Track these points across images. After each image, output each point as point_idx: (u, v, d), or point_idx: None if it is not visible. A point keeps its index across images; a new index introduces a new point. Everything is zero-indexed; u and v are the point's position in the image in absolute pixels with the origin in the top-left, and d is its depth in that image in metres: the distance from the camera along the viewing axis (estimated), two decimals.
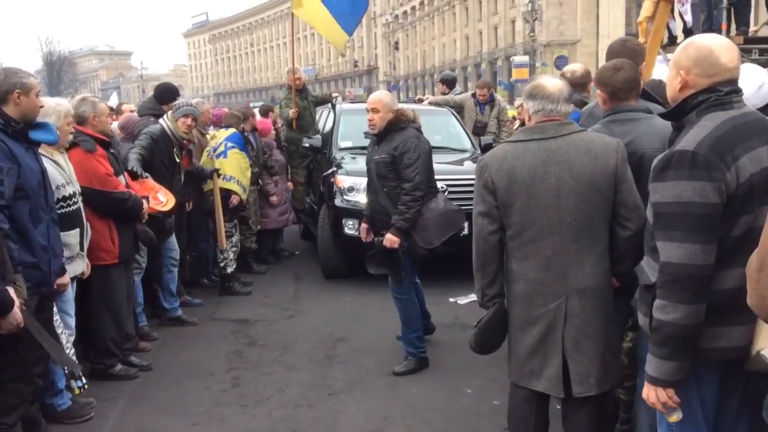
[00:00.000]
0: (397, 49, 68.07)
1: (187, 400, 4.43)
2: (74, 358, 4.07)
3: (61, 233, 3.78)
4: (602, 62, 3.61)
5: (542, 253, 2.84)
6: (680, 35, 8.45)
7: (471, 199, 3.16)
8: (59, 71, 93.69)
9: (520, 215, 2.85)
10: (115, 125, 6.35)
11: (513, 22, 55.19)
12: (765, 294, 1.75)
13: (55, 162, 3.95)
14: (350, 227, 6.77)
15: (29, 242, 3.36)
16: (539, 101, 2.89)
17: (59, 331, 3.82)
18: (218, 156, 6.84)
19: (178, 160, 5.86)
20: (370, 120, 4.76)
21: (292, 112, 8.53)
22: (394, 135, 4.73)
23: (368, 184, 5.02)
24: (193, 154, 6.46)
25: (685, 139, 2.22)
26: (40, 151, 3.72)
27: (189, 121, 5.76)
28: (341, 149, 7.83)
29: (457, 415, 4.15)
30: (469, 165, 7.29)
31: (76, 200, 4.06)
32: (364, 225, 5.19)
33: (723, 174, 2.13)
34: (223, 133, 7.07)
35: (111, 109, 8.24)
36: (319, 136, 8.29)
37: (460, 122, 8.71)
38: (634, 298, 2.69)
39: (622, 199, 2.84)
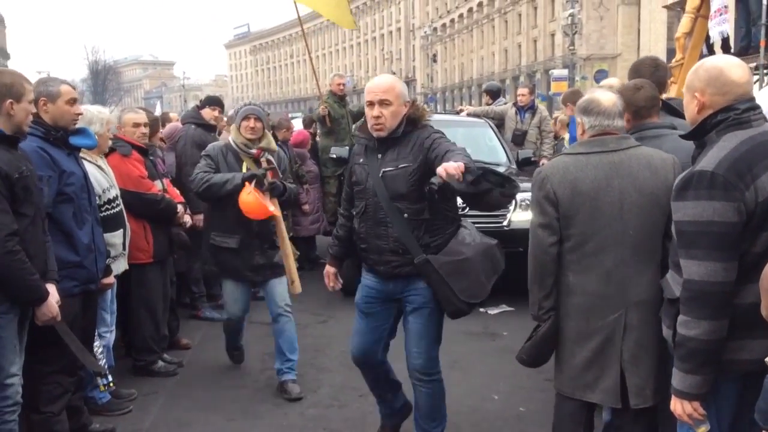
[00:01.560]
0: (435, 61, 68.25)
1: (223, 398, 4.62)
2: (103, 356, 4.24)
3: (106, 234, 3.98)
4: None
5: (603, 266, 2.84)
6: (718, 51, 8.44)
7: (487, 219, 3.20)
8: (104, 80, 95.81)
9: (581, 227, 2.85)
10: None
11: (552, 35, 54.98)
12: None
13: (99, 167, 4.16)
14: None
15: (74, 243, 3.55)
16: (595, 117, 2.91)
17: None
18: None
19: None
20: (376, 117, 3.35)
21: (321, 108, 8.43)
22: (409, 136, 3.39)
23: (363, 211, 3.48)
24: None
25: (705, 159, 2.29)
26: (86, 156, 3.94)
27: (252, 123, 4.51)
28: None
29: (483, 420, 4.26)
30: None
31: (118, 203, 4.29)
32: (330, 269, 3.81)
33: (742, 194, 2.19)
34: None
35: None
36: (346, 147, 7.94)
37: (497, 135, 8.30)
38: (661, 311, 2.70)
39: None
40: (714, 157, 2.26)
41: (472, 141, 7.84)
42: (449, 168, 2.82)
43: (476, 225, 3.62)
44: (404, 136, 3.37)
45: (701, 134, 2.40)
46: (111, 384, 4.37)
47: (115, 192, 4.28)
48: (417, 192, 3.27)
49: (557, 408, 3.12)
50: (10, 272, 2.94)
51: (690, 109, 2.45)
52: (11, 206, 2.95)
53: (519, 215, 6.46)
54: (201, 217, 5.92)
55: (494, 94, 9.82)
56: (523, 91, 8.67)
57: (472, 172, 2.92)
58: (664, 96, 3.77)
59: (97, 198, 3.91)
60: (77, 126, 3.66)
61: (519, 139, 8.46)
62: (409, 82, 77.22)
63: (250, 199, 4.35)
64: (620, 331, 2.85)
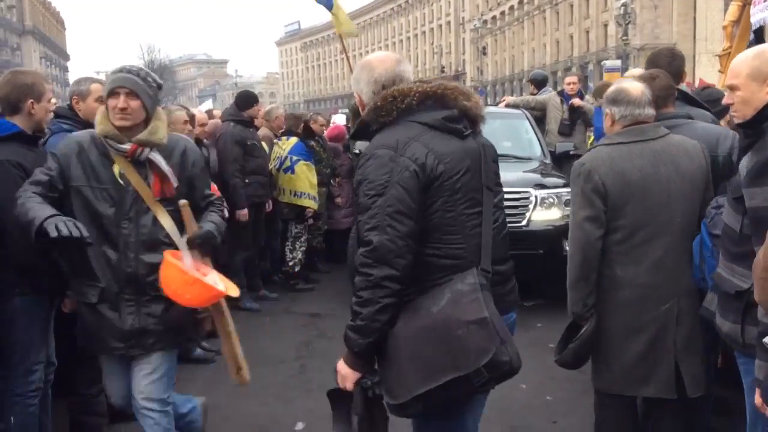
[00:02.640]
0: (485, 54, 67.76)
1: (257, 383, 4.75)
2: None
3: None
4: (700, 66, 3.71)
5: (653, 255, 2.82)
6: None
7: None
8: (160, 79, 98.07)
9: (631, 218, 2.82)
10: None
11: (605, 25, 54.01)
12: None
13: None
14: None
15: None
16: (625, 106, 2.91)
17: None
18: (285, 171, 6.99)
19: None
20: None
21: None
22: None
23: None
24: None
25: None
26: None
27: (121, 101, 2.89)
28: None
29: (510, 408, 4.30)
30: (513, 176, 6.12)
31: None
32: None
33: None
34: (286, 144, 7.14)
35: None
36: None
37: (533, 126, 7.83)
38: (703, 307, 2.72)
39: (708, 197, 2.89)
40: None
41: (509, 133, 7.68)
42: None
43: None
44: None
45: (759, 123, 2.35)
46: None
47: None
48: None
49: (601, 408, 3.07)
50: (43, 267, 3.08)
51: (759, 98, 2.36)
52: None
53: (539, 214, 6.13)
54: (245, 212, 6.15)
55: (539, 83, 9.50)
56: (572, 79, 8.19)
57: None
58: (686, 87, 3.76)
59: None
60: None
61: (566, 129, 7.98)
62: (459, 75, 76.95)
63: (172, 275, 2.76)
64: (673, 321, 2.82)
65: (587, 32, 57.57)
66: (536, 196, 6.17)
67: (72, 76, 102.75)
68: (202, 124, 6.11)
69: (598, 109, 5.28)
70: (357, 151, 7.67)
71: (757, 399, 2.24)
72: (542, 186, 6.33)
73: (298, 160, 7.01)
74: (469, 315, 2.08)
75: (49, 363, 3.36)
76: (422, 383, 2.09)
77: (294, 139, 7.19)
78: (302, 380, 4.84)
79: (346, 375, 2.27)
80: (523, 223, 6.14)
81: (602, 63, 43.53)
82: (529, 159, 7.25)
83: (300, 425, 4.14)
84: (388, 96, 2.25)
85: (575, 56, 58.30)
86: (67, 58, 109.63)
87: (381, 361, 2.23)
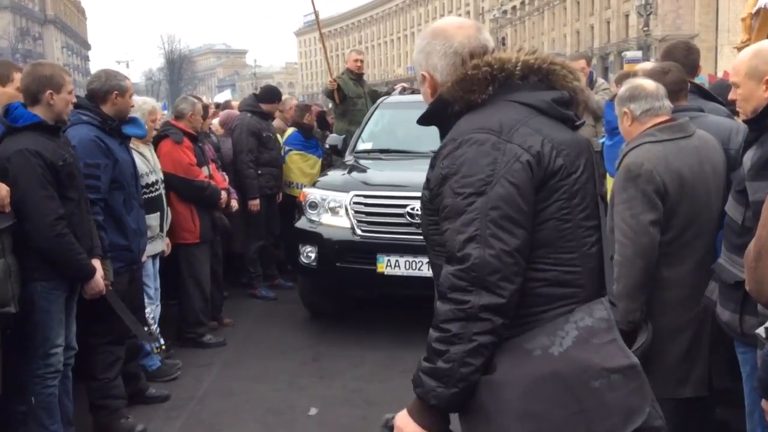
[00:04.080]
0: (504, 44, 67.31)
1: (272, 370, 4.88)
2: (154, 322, 4.56)
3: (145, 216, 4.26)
4: (722, 58, 3.70)
5: (697, 255, 2.80)
6: None
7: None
8: (179, 69, 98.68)
9: (683, 217, 2.77)
10: (215, 121, 6.94)
11: (626, 16, 53.41)
12: (762, 281, 1.92)
13: (140, 153, 4.45)
14: (307, 255, 5.39)
15: (123, 228, 3.86)
16: (645, 101, 2.88)
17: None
18: (282, 161, 6.94)
19: None
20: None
21: (330, 82, 7.77)
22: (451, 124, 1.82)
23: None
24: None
25: None
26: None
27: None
28: (357, 152, 6.45)
29: None
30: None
31: (157, 187, 4.57)
32: None
33: None
34: (285, 135, 7.18)
35: (217, 105, 8.94)
36: (337, 135, 6.96)
37: None
38: (705, 296, 2.72)
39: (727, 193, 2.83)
40: None
41: None
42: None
43: None
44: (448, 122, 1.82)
45: (763, 118, 2.36)
46: (163, 347, 4.73)
47: (154, 177, 4.56)
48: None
49: None
50: (60, 253, 3.22)
51: (758, 96, 2.39)
52: (57, 191, 3.21)
53: None
54: (256, 202, 6.25)
55: None
56: (579, 63, 6.77)
57: None
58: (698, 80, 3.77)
59: None
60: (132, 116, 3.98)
61: None
62: None
63: None
64: (709, 318, 2.78)
65: (608, 23, 56.99)
66: None
67: (93, 66, 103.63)
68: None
69: (609, 102, 5.25)
70: (327, 145, 6.96)
71: (764, 404, 2.18)
72: None
73: (290, 150, 7.01)
74: (609, 361, 1.57)
75: (69, 347, 3.47)
76: None
77: (290, 130, 7.22)
78: (315, 367, 4.94)
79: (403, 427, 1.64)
80: None
81: (623, 54, 43.09)
82: None
83: (313, 410, 4.23)
84: (483, 65, 1.71)
85: (596, 47, 57.73)
86: (88, 47, 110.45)
87: (469, 423, 1.63)
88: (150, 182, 4.49)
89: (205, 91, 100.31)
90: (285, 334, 5.66)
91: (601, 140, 5.61)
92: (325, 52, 10.18)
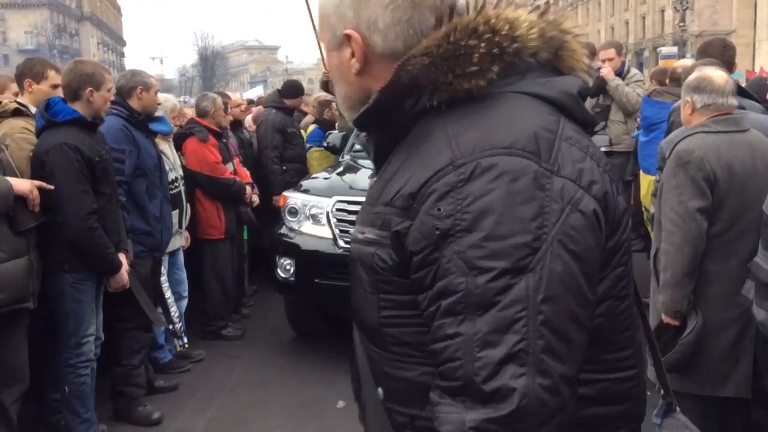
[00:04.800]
0: None
1: (300, 363, 4.92)
2: (180, 320, 4.66)
3: None
4: (760, 54, 3.63)
5: (743, 251, 2.73)
6: None
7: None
8: (212, 65, 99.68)
9: (730, 211, 2.74)
10: (248, 118, 7.00)
11: (662, 11, 52.62)
12: None
13: (161, 151, 4.48)
14: (284, 268, 4.76)
15: (145, 213, 3.97)
16: (708, 95, 2.82)
17: (167, 294, 4.43)
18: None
19: None
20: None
21: (324, 72, 6.69)
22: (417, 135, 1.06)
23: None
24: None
25: None
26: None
27: None
28: (355, 151, 5.62)
29: None
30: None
31: (177, 185, 4.65)
32: None
33: None
34: (307, 131, 7.18)
35: (250, 101, 9.00)
36: (338, 133, 6.31)
37: None
38: (741, 295, 2.66)
39: None
40: None
41: None
42: None
43: None
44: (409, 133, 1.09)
45: None
46: (185, 345, 4.81)
47: (174, 175, 4.65)
48: (399, 286, 1.04)
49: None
50: (90, 246, 3.31)
51: None
52: (91, 186, 3.31)
53: None
54: (280, 198, 6.31)
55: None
56: (608, 53, 5.92)
57: None
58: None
59: None
60: (156, 114, 4.14)
61: (599, 117, 5.85)
62: None
63: None
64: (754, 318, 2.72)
65: (643, 18, 56.20)
66: None
67: (128, 62, 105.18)
68: (238, 105, 6.35)
69: (647, 98, 5.15)
70: (326, 145, 6.38)
71: None
72: None
73: (311, 147, 6.99)
74: None
75: (96, 337, 3.55)
76: None
77: (312, 126, 7.22)
78: (343, 361, 4.93)
79: None
80: None
81: (658, 50, 42.45)
82: None
83: (341, 403, 4.25)
84: (483, 29, 1.03)
85: (631, 42, 56.97)
86: (123, 44, 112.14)
87: None
88: (170, 179, 4.57)
89: (238, 87, 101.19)
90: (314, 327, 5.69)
91: (635, 135, 5.51)
92: (316, 34, 8.15)
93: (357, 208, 3.65)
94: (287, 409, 4.22)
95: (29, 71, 3.60)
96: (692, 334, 2.78)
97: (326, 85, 6.44)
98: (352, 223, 4.31)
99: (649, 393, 1.21)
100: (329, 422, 4.07)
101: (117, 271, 3.46)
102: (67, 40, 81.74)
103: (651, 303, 3.08)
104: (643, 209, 5.11)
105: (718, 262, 2.76)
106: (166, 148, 4.65)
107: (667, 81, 5.25)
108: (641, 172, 5.09)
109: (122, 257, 3.54)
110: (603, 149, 4.49)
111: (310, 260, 4.60)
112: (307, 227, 4.69)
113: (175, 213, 4.59)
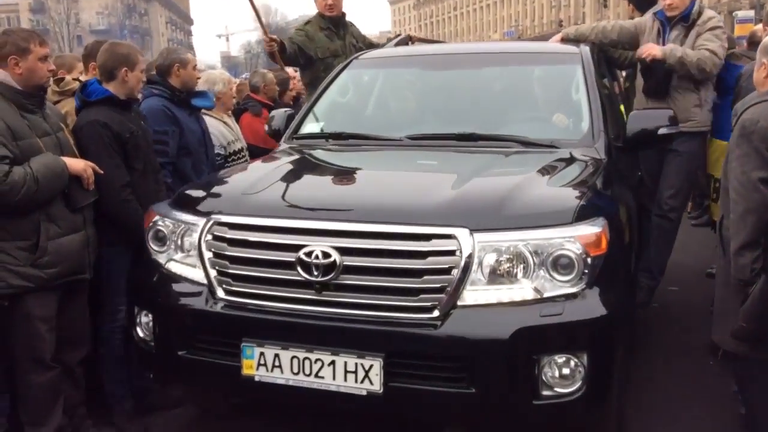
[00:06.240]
0: (606, 6, 64.65)
1: None
2: None
3: None
4: None
5: None
6: None
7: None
8: None
9: None
10: None
11: None
12: None
13: (224, 122, 4.68)
14: (143, 326, 3.04)
15: None
16: None
17: None
18: None
19: None
20: None
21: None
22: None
23: None
24: None
25: None
26: (212, 114, 4.48)
27: None
28: (299, 136, 4.04)
29: None
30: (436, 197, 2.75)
31: (244, 154, 4.80)
32: None
33: None
34: None
35: None
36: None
37: (587, 81, 3.81)
38: None
39: None
40: None
41: (545, 90, 4.14)
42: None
43: None
44: None
45: None
46: None
47: (240, 144, 4.79)
48: None
49: (751, 381, 2.94)
50: (125, 217, 3.39)
51: None
52: (124, 162, 3.40)
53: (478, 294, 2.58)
54: None
55: (640, 2, 5.36)
56: None
57: None
58: None
59: (222, 149, 4.56)
60: (198, 89, 4.20)
61: (661, 88, 4.52)
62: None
63: None
64: None
65: None
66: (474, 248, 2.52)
67: (195, 41, 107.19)
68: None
69: (729, 63, 4.70)
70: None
71: None
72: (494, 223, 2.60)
73: None
74: None
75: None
76: None
77: None
78: None
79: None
80: (434, 313, 2.50)
81: (734, 14, 40.26)
82: (550, 147, 3.46)
83: None
84: None
85: (705, 5, 54.60)
86: (190, 22, 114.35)
87: None
88: (236, 149, 4.73)
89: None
90: None
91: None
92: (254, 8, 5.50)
93: (246, 235, 2.68)
94: None
95: (96, 52, 3.72)
96: (749, 301, 2.68)
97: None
98: (237, 260, 2.72)
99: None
100: None
101: None
102: (137, 20, 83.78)
103: (716, 273, 3.06)
104: (711, 179, 4.82)
105: None
106: (230, 120, 4.77)
107: (745, 45, 4.94)
108: (710, 138, 4.75)
109: None
110: (663, 131, 3.56)
111: (171, 320, 2.91)
112: (175, 265, 2.95)
113: None
